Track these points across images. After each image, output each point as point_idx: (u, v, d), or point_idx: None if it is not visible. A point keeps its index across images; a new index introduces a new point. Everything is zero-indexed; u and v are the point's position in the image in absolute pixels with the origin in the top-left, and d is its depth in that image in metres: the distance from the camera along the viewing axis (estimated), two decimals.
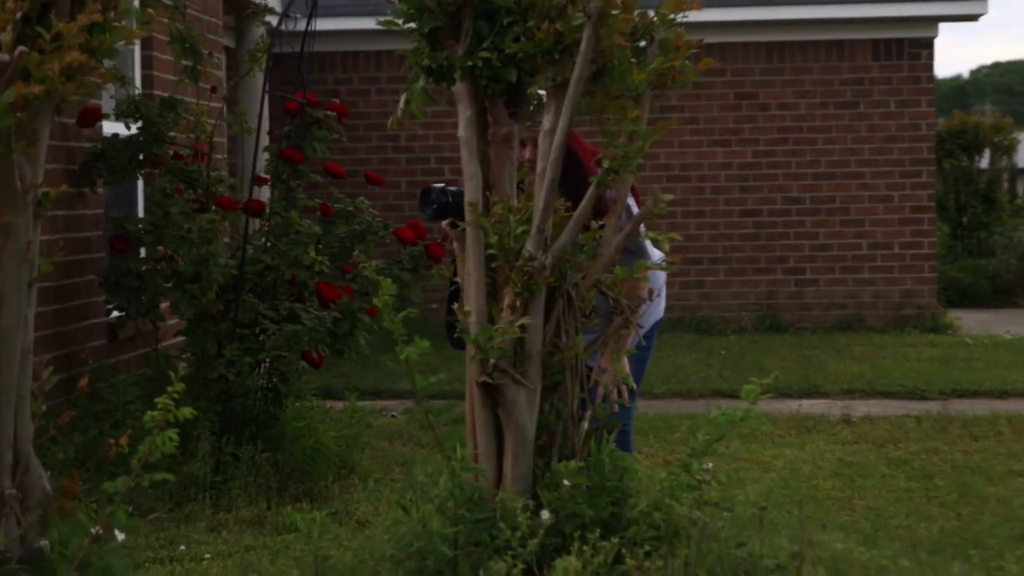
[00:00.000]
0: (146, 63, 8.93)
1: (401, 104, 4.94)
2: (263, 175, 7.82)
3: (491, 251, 4.80)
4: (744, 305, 15.37)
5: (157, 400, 3.66)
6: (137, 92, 7.85)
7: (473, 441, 4.88)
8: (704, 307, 15.03)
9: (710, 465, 4.90)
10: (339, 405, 8.74)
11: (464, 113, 4.88)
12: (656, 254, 5.62)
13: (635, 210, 5.71)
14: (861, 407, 10.90)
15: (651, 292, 5.33)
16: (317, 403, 7.89)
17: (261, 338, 7.24)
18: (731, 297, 15.33)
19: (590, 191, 4.76)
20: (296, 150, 7.58)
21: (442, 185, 5.10)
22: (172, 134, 7.62)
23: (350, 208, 7.93)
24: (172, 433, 3.62)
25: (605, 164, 4.72)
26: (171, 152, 7.71)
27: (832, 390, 11.67)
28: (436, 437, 4.64)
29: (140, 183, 8.70)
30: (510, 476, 4.77)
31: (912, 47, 15.35)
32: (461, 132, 4.89)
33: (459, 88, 4.88)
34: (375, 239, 7.78)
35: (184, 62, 7.54)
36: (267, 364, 7.27)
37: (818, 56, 15.39)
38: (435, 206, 5.03)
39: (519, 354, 4.78)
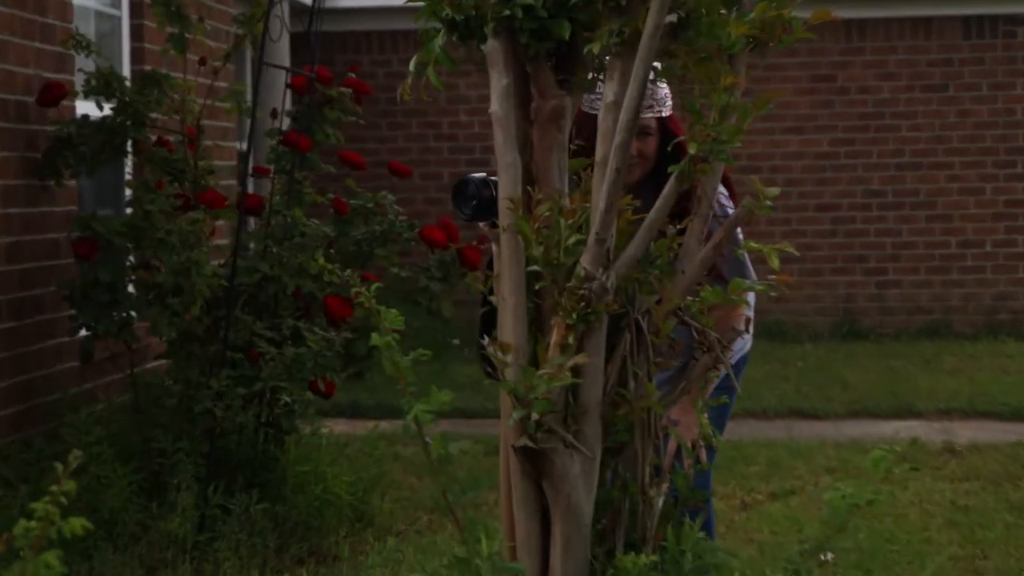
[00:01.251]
0: (136, 34, 7.75)
1: (411, 68, 3.74)
2: (264, 166, 6.62)
3: (534, 267, 3.59)
4: (820, 309, 14.21)
5: (34, 506, 2.47)
6: (108, 64, 6.65)
7: (509, 523, 3.69)
8: (775, 311, 13.83)
9: (830, 556, 3.70)
10: (366, 425, 7.57)
11: (499, 81, 3.69)
12: (751, 271, 4.43)
13: (729, 211, 4.51)
14: (963, 431, 9.67)
15: (748, 320, 4.12)
16: (327, 438, 6.68)
17: (259, 364, 6.04)
18: (806, 300, 14.16)
19: (669, 185, 3.56)
20: (302, 135, 6.37)
21: (483, 175, 3.92)
22: (154, 116, 6.43)
23: (370, 205, 6.72)
24: (53, 558, 2.42)
25: (691, 149, 3.50)
26: (154, 138, 6.53)
27: (926, 409, 10.45)
28: (458, 523, 3.43)
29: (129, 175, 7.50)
30: (559, 572, 3.57)
31: (1007, 24, 14.17)
32: (494, 106, 3.70)
33: (492, 47, 3.69)
34: (399, 241, 6.57)
35: (169, 29, 6.35)
36: (265, 396, 6.07)
37: (903, 34, 14.24)
38: (474, 202, 3.89)
39: (571, 407, 3.60)
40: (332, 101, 6.56)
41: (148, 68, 7.52)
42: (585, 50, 3.63)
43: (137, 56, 7.73)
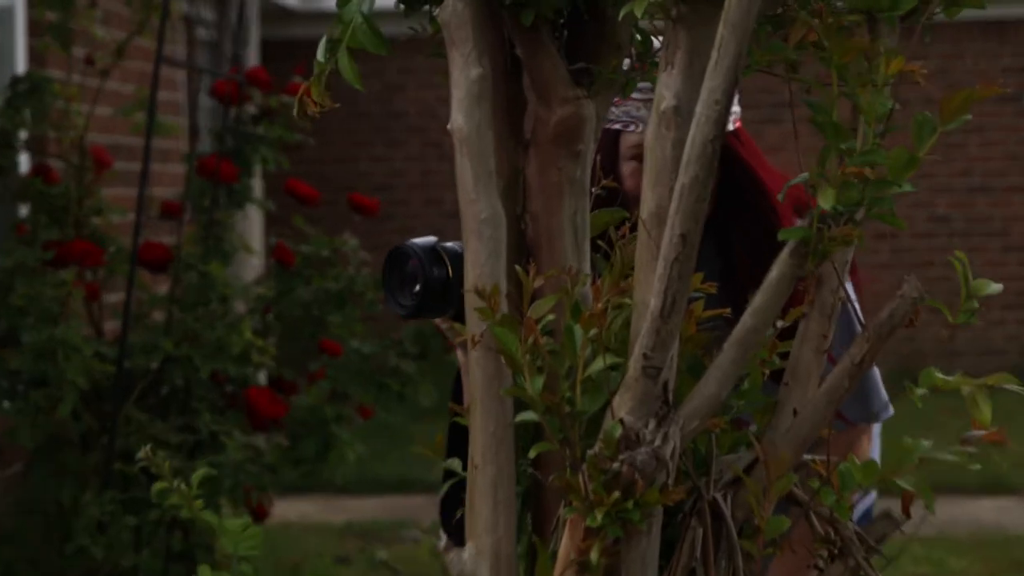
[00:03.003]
0: (36, 29, 6.15)
1: (319, 57, 2.16)
2: (175, 201, 5.02)
3: (530, 414, 2.00)
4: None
5: None
6: None
7: None
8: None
9: None
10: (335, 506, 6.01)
11: (464, 73, 2.14)
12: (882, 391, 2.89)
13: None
14: None
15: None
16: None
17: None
18: None
19: (777, 270, 1.96)
20: (225, 159, 4.76)
21: (431, 241, 2.43)
22: (22, 134, 4.84)
23: (324, 253, 5.12)
24: None
25: (823, 200, 1.88)
26: (40, 165, 4.95)
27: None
28: None
29: None
30: None
31: None
32: (456, 118, 2.11)
33: (452, 12, 2.10)
34: (361, 303, 4.98)
35: (48, 14, 4.77)
36: (166, 527, 4.46)
37: (972, 38, 12.92)
38: (417, 287, 2.41)
39: None
40: (271, 114, 4.95)
41: (52, 72, 5.91)
42: (621, 14, 2.02)
43: (37, 59, 6.13)
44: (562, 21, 2.19)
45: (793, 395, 2.15)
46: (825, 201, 1.85)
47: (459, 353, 2.53)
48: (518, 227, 2.16)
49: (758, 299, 1.95)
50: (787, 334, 2.12)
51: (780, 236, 1.93)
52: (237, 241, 5.03)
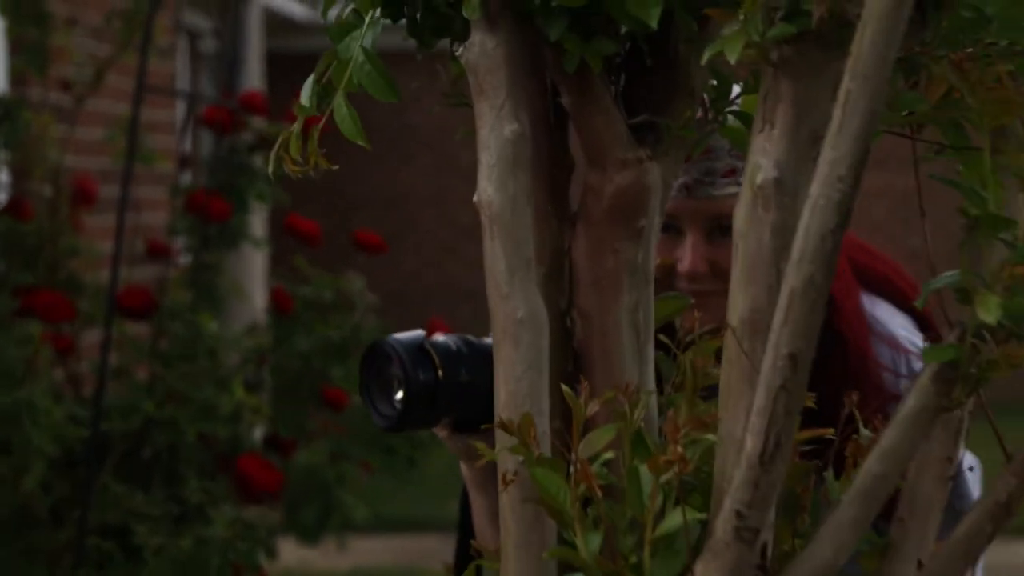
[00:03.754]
0: (16, 48, 5.69)
1: (304, 101, 1.68)
2: (163, 241, 4.57)
3: None
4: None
5: None
6: None
7: None
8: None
9: None
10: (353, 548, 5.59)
11: (496, 130, 1.62)
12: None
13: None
14: None
15: None
16: None
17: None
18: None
19: (914, 397, 1.49)
20: (215, 194, 4.31)
21: (417, 335, 2.04)
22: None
23: (327, 295, 4.66)
24: None
25: (985, 313, 1.41)
26: (14, 199, 4.50)
27: None
28: None
29: None
30: None
31: None
32: (484, 188, 1.62)
33: (481, 51, 1.62)
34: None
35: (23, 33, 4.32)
36: None
37: None
38: (401, 394, 2.01)
39: None
40: (266, 144, 4.49)
41: (37, 93, 5.45)
42: (705, 58, 1.55)
43: (19, 77, 5.67)
44: (619, 63, 1.73)
45: (912, 536, 1.69)
46: (987, 312, 1.38)
47: (464, 468, 2.09)
48: (563, 327, 1.70)
49: (887, 439, 1.48)
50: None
51: (924, 358, 1.46)
52: (230, 286, 4.57)
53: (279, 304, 4.63)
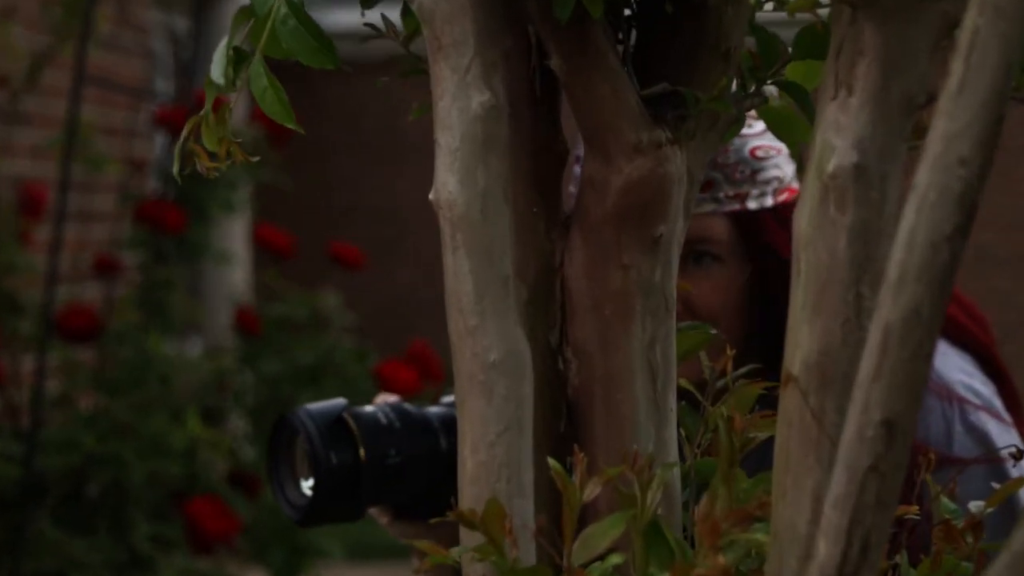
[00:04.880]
0: None
1: (214, 75, 1.23)
2: (110, 254, 4.12)
3: None
4: None
5: None
6: None
7: None
8: None
9: None
10: None
11: (462, 98, 1.15)
12: None
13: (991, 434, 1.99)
14: None
15: None
16: None
17: None
18: None
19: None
20: (171, 204, 3.87)
21: (336, 406, 1.64)
22: None
23: (300, 314, 4.23)
24: None
25: None
26: None
27: None
28: None
29: None
30: None
31: None
32: (445, 186, 1.14)
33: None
34: (342, 375, 4.09)
35: None
36: None
37: None
38: (313, 480, 1.62)
39: None
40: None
41: None
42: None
43: None
44: (628, 11, 1.28)
45: None
46: None
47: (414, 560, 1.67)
48: (553, 371, 1.26)
49: (1019, 542, 1.03)
50: None
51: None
52: (185, 305, 4.13)
53: (244, 324, 4.19)
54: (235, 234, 6.17)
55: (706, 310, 1.86)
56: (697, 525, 1.03)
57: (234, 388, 4.16)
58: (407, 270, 14.60)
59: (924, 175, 0.94)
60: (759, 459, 1.23)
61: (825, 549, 0.99)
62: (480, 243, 1.18)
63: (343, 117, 12.37)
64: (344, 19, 12.28)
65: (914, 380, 0.96)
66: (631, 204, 1.23)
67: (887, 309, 0.96)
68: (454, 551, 1.12)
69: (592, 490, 1.09)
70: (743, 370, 1.30)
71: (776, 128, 1.42)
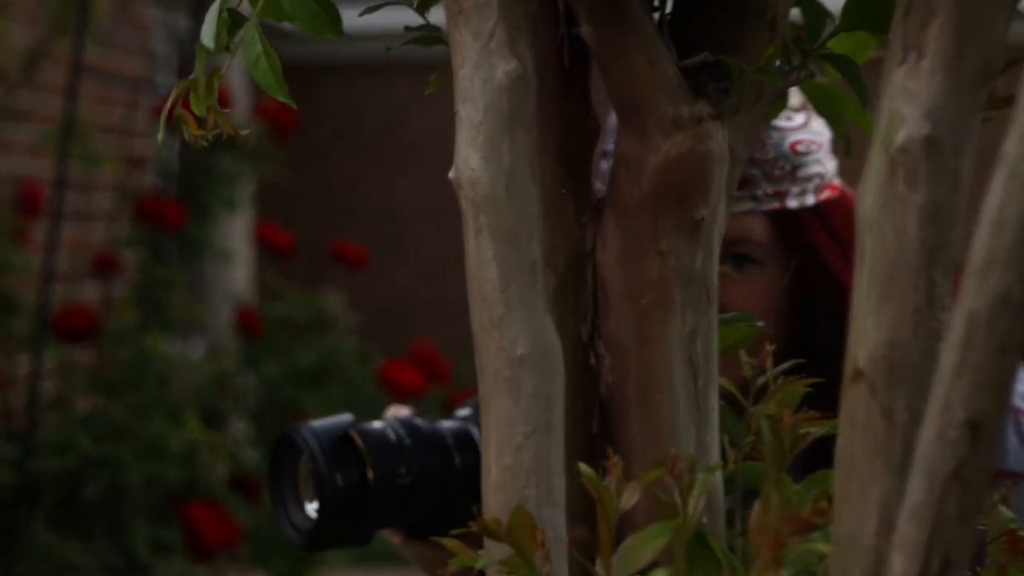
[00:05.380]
0: None
1: (204, 39, 1.11)
2: (109, 252, 4.02)
3: None
4: None
5: None
6: None
7: None
8: None
9: None
10: None
11: (486, 67, 1.04)
12: None
13: None
14: None
15: None
16: None
17: None
18: None
19: None
20: (171, 200, 3.77)
21: (341, 423, 1.53)
22: None
23: (302, 314, 4.13)
24: None
25: None
26: None
27: None
28: None
29: None
30: None
31: None
32: (467, 162, 1.03)
33: None
34: (345, 375, 4.00)
35: None
36: None
37: None
38: (318, 507, 1.51)
39: None
40: (232, 140, 3.95)
41: None
42: None
43: None
44: None
45: None
46: None
47: None
48: (584, 367, 1.15)
49: None
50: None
51: None
52: (184, 304, 4.03)
53: (246, 325, 4.08)
54: (236, 232, 6.08)
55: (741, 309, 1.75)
56: (752, 535, 0.92)
57: (235, 390, 4.07)
58: (407, 270, 14.56)
59: (1014, 145, 0.84)
60: (801, 467, 1.13)
61: (901, 565, 0.88)
62: (506, 225, 1.07)
63: (343, 117, 12.30)
64: (345, 19, 12.41)
65: (1002, 375, 0.85)
66: (669, 185, 1.13)
67: (972, 296, 0.85)
68: (481, 560, 1.01)
69: (630, 497, 0.99)
70: (786, 365, 1.20)
71: (822, 106, 1.32)
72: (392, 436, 1.54)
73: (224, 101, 3.23)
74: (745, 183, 1.76)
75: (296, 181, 5.39)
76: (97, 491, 3.76)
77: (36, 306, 3.67)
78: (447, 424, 1.60)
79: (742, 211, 1.76)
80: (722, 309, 1.69)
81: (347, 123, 12.13)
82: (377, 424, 1.56)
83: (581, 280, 1.16)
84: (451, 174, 1.10)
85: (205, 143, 1.22)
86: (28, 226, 4.34)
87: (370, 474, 1.51)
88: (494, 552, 1.04)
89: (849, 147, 1.36)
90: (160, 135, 1.24)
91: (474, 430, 1.57)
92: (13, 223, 4.11)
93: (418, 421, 1.58)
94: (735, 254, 1.77)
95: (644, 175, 1.13)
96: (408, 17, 1.24)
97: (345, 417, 1.54)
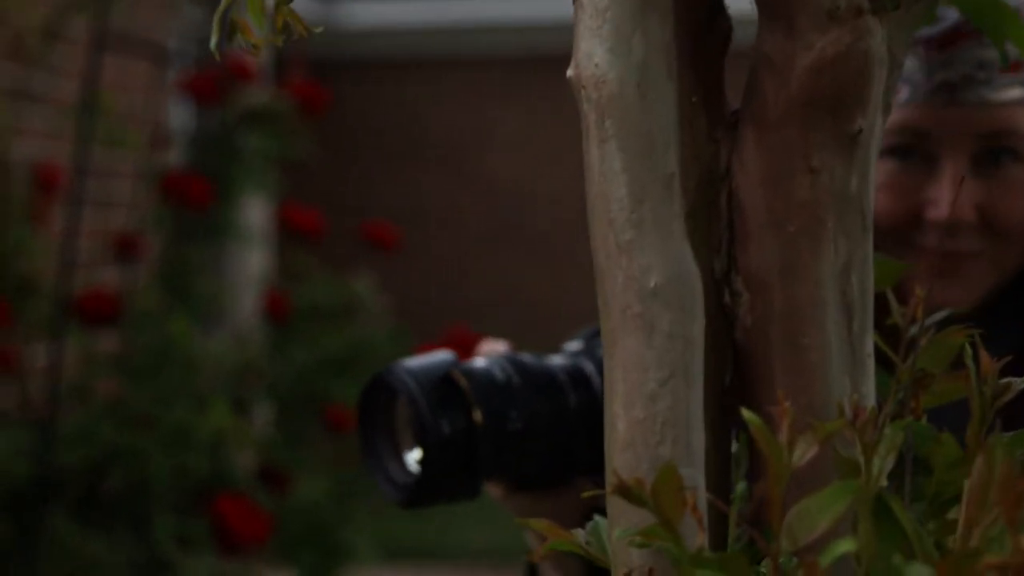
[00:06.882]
0: None
1: None
2: (134, 234, 3.87)
3: None
4: None
5: None
6: None
7: None
8: None
9: None
10: None
11: None
12: None
13: None
14: None
15: None
16: None
17: None
18: None
19: None
20: (198, 177, 3.62)
21: (442, 362, 1.36)
22: None
23: (331, 300, 3.98)
24: None
25: None
26: None
27: None
28: None
29: None
30: None
31: None
32: (592, 57, 0.85)
33: None
34: (378, 361, 3.84)
35: None
36: None
37: None
38: (420, 459, 1.33)
39: None
40: (260, 118, 3.79)
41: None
42: None
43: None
44: None
45: None
46: None
47: (532, 539, 1.43)
48: (717, 307, 0.98)
49: None
50: None
51: None
52: (210, 288, 3.88)
53: (273, 310, 3.92)
54: (259, 214, 5.94)
55: (1010, 222, 1.55)
56: (971, 494, 0.75)
57: (262, 377, 3.91)
58: (420, 274, 14.56)
59: None
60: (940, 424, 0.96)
61: None
62: (638, 131, 0.90)
63: (363, 114, 12.21)
64: (362, 15, 12.13)
65: None
66: (823, 89, 0.95)
67: None
68: (619, 531, 0.84)
69: (805, 451, 0.81)
70: (941, 315, 1.02)
71: (979, 18, 1.14)
72: (499, 375, 1.38)
73: (246, 74, 3.05)
74: (1017, 67, 1.56)
75: (315, 171, 5.25)
76: (120, 483, 3.62)
77: (56, 291, 3.50)
78: (557, 360, 1.43)
79: (1008, 99, 1.57)
80: (987, 216, 1.51)
81: (364, 120, 12.05)
82: (480, 362, 1.40)
83: (714, 206, 0.99)
84: (569, 72, 0.93)
85: (261, 52, 1.05)
86: (47, 209, 4.20)
87: (478, 419, 1.35)
88: (624, 519, 0.87)
89: (1007, 61, 1.18)
90: (213, 41, 1.07)
91: (587, 366, 1.41)
92: (31, 205, 3.96)
93: (525, 357, 1.42)
94: (996, 148, 1.57)
95: (792, 78, 0.96)
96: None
97: (444, 354, 1.38)
